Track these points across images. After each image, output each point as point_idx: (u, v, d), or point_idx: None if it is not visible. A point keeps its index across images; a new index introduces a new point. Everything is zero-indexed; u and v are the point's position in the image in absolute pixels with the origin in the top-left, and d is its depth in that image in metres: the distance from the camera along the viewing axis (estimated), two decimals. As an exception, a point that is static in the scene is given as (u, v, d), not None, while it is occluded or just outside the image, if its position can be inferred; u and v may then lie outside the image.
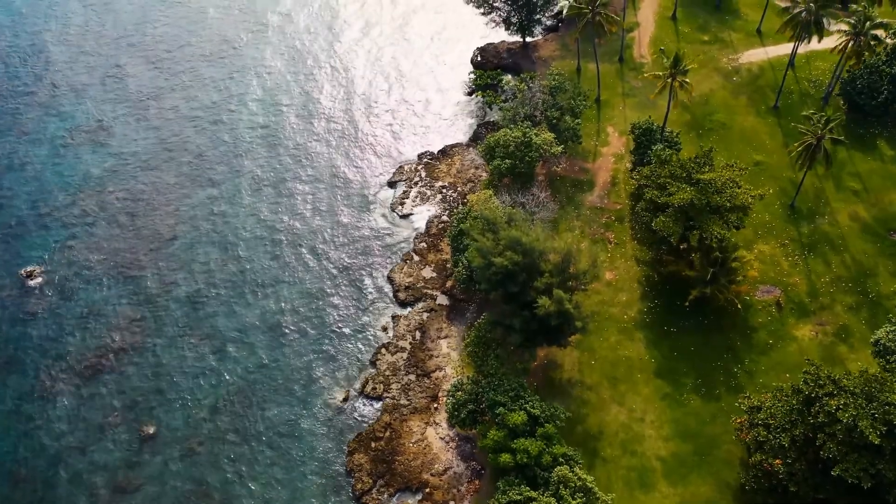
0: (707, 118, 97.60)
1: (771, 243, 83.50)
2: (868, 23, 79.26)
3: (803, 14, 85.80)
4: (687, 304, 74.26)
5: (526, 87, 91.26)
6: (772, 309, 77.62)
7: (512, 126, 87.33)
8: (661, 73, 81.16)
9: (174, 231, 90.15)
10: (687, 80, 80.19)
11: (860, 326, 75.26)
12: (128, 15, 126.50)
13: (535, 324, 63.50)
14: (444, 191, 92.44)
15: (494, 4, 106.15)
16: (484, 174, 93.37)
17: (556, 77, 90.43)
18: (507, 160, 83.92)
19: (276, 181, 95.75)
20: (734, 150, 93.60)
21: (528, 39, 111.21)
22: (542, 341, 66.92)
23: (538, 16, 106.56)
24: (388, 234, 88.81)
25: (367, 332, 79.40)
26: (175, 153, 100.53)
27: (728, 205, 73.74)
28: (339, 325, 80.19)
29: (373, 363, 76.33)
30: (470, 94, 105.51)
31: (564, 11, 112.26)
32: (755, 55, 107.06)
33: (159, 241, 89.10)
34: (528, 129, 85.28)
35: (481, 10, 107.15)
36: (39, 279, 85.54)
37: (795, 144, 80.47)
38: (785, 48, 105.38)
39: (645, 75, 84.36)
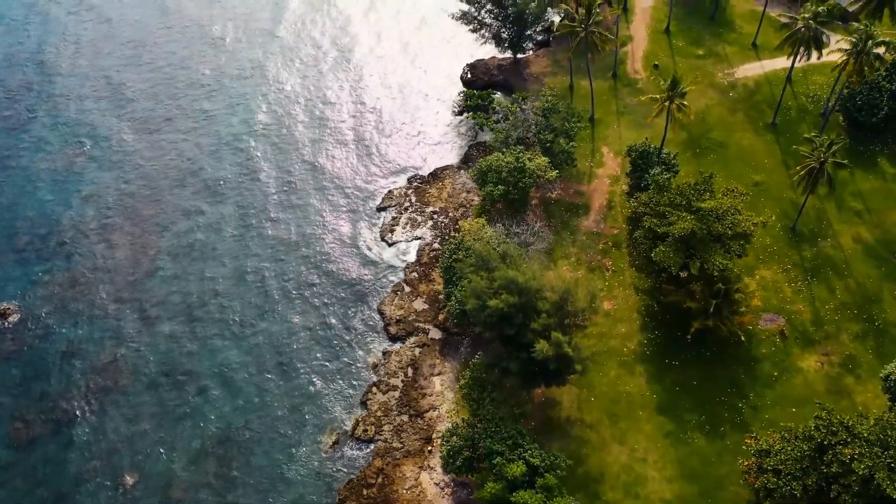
0: (704, 136, 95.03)
1: (773, 268, 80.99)
2: (870, 41, 76.78)
3: (802, 31, 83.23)
4: (689, 336, 71.59)
5: (518, 109, 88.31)
6: (776, 338, 75.08)
7: (504, 150, 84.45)
8: (657, 96, 78.42)
9: (155, 263, 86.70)
10: (685, 102, 77.48)
11: (867, 356, 72.84)
12: (115, 38, 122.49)
13: (532, 366, 60.59)
14: (435, 216, 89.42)
15: (484, 21, 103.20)
16: (476, 198, 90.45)
17: (549, 98, 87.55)
18: (499, 186, 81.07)
19: (261, 210, 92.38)
20: (733, 169, 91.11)
21: (519, 55, 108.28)
22: (539, 382, 64.04)
23: (529, 31, 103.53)
24: (378, 264, 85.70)
25: (357, 370, 76.27)
26: (156, 181, 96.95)
27: (730, 233, 71.22)
28: (328, 362, 77.02)
29: (363, 403, 73.25)
30: (460, 113, 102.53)
31: (555, 28, 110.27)
32: (751, 69, 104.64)
33: (140, 274, 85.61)
34: (520, 154, 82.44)
35: (470, 27, 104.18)
36: (14, 317, 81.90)
37: (797, 168, 78.01)
38: (781, 62, 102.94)
39: (642, 99, 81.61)
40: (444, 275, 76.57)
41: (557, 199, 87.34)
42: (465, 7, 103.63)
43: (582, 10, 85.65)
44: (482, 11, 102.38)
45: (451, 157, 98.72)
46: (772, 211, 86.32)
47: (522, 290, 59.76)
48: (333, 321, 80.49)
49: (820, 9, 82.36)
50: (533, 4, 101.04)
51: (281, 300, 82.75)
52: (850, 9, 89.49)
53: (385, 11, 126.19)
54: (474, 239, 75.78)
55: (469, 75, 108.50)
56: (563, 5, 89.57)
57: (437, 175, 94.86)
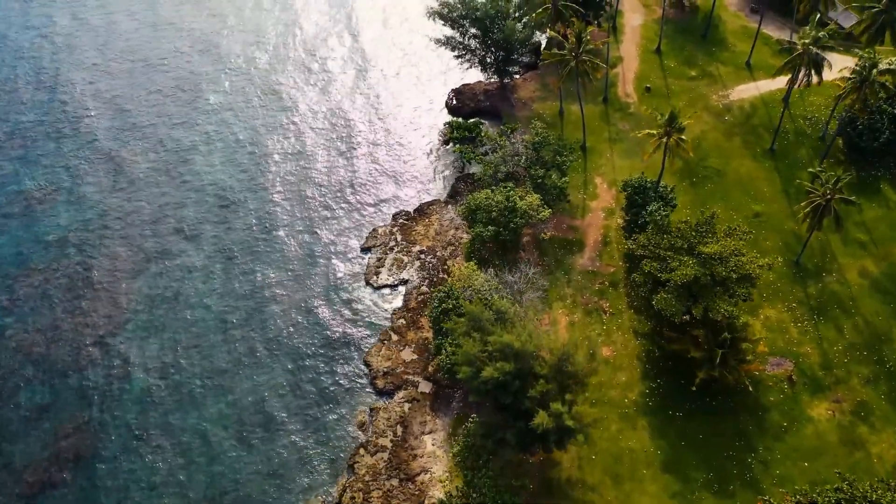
0: (700, 164, 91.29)
1: (778, 307, 77.32)
2: (874, 70, 73.25)
3: (802, 56, 79.60)
4: (693, 386, 67.68)
5: (507, 143, 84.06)
6: (784, 385, 71.38)
7: (494, 188, 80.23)
8: (654, 132, 74.47)
9: (124, 316, 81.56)
10: (683, 136, 73.58)
11: (880, 403, 69.33)
12: (90, 64, 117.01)
13: (531, 435, 56.36)
14: (423, 256, 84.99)
15: (469, 46, 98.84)
16: (465, 235, 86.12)
17: (540, 131, 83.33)
18: (489, 227, 76.90)
19: (239, 253, 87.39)
20: (731, 199, 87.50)
21: (506, 80, 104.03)
22: (538, 449, 59.82)
23: (516, 56, 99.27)
24: (363, 310, 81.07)
25: (343, 429, 71.67)
26: (127, 222, 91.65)
27: (734, 276, 67.44)
28: (313, 421, 72.38)
29: (350, 467, 68.66)
30: (446, 142, 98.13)
31: (543, 49, 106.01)
32: (746, 91, 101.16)
33: (108, 327, 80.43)
34: (511, 192, 78.24)
35: (455, 53, 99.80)
36: (-27, 378, 76.59)
37: (802, 205, 74.36)
38: (776, 82, 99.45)
39: (639, 135, 77.66)
40: (433, 325, 72.22)
41: (550, 236, 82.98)
42: (449, 32, 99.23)
43: (572, 38, 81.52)
44: (466, 36, 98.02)
45: (437, 190, 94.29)
46: (773, 244, 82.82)
47: (519, 354, 55.57)
48: (318, 374, 75.82)
49: (821, 34, 78.76)
50: (519, 28, 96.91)
51: (261, 351, 77.98)
52: (851, 30, 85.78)
53: (367, 35, 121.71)
54: (464, 287, 71.60)
55: (454, 101, 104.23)
56: (552, 32, 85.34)
57: (423, 211, 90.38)
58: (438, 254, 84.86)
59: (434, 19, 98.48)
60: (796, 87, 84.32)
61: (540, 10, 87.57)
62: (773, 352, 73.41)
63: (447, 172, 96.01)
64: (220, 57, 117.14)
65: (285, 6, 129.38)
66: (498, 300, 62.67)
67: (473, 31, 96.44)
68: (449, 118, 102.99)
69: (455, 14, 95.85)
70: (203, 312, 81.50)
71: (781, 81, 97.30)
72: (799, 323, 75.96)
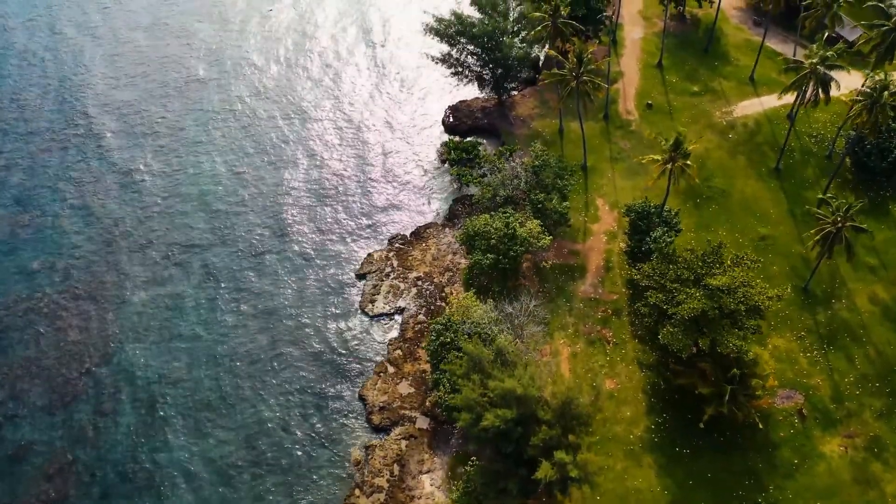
0: (704, 184, 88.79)
1: (786, 336, 74.92)
2: (885, 92, 70.85)
3: (810, 76, 77.16)
4: (701, 424, 65.17)
5: (506, 166, 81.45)
6: (794, 419, 68.99)
7: (493, 213, 77.66)
8: (658, 158, 71.95)
9: (111, 347, 78.76)
10: (689, 162, 71.09)
11: (894, 438, 66.96)
12: (68, 85, 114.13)
13: (533, 484, 53.81)
14: (420, 283, 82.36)
15: (466, 62, 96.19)
16: (463, 261, 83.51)
17: (540, 154, 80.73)
18: (489, 255, 74.29)
19: (226, 281, 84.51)
20: (736, 222, 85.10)
21: (504, 96, 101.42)
22: (542, 494, 57.27)
23: (514, 73, 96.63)
24: (358, 341, 78.42)
25: (338, 468, 69.02)
26: (114, 248, 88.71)
27: (742, 308, 64.96)
28: (304, 459, 69.70)
29: (346, 509, 66.05)
30: (443, 161, 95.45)
31: (541, 62, 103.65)
32: (750, 107, 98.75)
33: (94, 360, 77.65)
34: (510, 218, 75.68)
35: (451, 71, 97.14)
36: (-49, 416, 73.77)
37: (812, 232, 71.95)
38: (781, 97, 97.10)
39: (643, 161, 75.20)
40: (430, 359, 69.60)
41: (551, 261, 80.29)
42: (446, 49, 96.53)
43: (572, 58, 78.97)
44: (463, 53, 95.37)
45: (434, 212, 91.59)
46: (781, 268, 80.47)
47: (521, 400, 53.01)
48: (311, 409, 73.17)
49: (829, 53, 76.35)
50: (517, 45, 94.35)
51: (251, 385, 75.27)
52: (858, 46, 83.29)
53: (360, 51, 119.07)
54: (463, 319, 69.04)
55: (451, 119, 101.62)
56: (551, 51, 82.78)
57: (419, 235, 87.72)
58: (436, 280, 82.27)
59: (430, 36, 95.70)
60: (803, 106, 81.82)
61: (539, 27, 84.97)
62: (783, 384, 71.04)
63: (444, 193, 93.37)
64: (204, 80, 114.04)
65: (275, 23, 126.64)
66: (499, 338, 60.01)
67: (470, 48, 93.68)
68: (446, 136, 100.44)
69: (451, 31, 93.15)
70: (191, 343, 78.75)
71: (786, 97, 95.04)
72: (808, 353, 73.59)
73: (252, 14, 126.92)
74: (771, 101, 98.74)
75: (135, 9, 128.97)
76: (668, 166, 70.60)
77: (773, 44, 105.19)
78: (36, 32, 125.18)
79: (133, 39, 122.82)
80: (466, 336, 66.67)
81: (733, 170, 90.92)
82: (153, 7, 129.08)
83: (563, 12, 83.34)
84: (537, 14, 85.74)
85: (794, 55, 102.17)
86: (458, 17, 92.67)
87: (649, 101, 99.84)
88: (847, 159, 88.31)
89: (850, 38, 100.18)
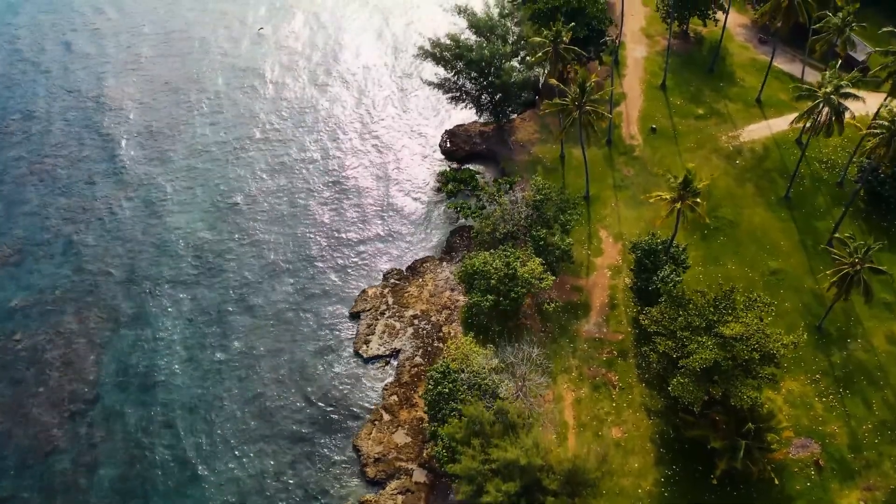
0: (712, 214, 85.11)
1: (800, 379, 71.51)
2: (904, 125, 67.52)
3: (822, 106, 73.79)
4: (713, 478, 61.82)
5: (506, 200, 77.93)
6: (810, 471, 65.57)
7: (492, 251, 74.21)
8: (666, 196, 68.50)
9: (93, 392, 75.15)
10: (699, 200, 67.66)
11: (916, 491, 63.62)
12: (41, 110, 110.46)
13: (539, 558, 50.41)
14: (416, 321, 78.84)
15: (464, 87, 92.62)
16: (461, 298, 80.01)
17: (541, 188, 77.21)
18: (488, 296, 70.82)
19: (215, 319, 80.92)
20: (745, 254, 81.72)
21: (504, 120, 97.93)
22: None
23: (513, 98, 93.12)
24: (352, 386, 74.83)
25: (331, 528, 65.52)
26: (97, 283, 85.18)
27: (756, 356, 61.55)
28: (297, 518, 66.23)
29: (339, 573, 62.58)
30: (439, 190, 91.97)
31: (540, 83, 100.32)
32: (757, 131, 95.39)
33: (75, 407, 74.01)
34: (511, 257, 72.19)
35: (448, 96, 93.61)
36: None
37: (828, 273, 68.58)
38: (789, 120, 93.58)
39: (651, 200, 71.75)
40: (428, 410, 66.04)
41: (553, 298, 76.52)
42: (443, 72, 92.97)
43: (575, 87, 75.52)
44: (460, 77, 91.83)
45: (430, 245, 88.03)
46: (793, 305, 77.10)
47: (524, 470, 49.52)
48: (302, 461, 69.57)
49: (843, 81, 72.98)
50: (517, 68, 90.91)
51: (239, 434, 71.65)
52: (874, 73, 79.87)
53: (355, 73, 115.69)
54: (462, 368, 65.57)
55: (449, 144, 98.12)
56: (553, 81, 79.30)
57: (416, 269, 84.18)
58: (433, 319, 78.75)
59: (426, 60, 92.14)
60: (815, 135, 78.47)
61: (540, 53, 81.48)
62: (798, 431, 67.61)
63: (441, 224, 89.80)
64: (190, 103, 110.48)
65: (263, 44, 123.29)
66: (499, 401, 56.51)
67: (468, 72, 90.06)
68: (442, 161, 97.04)
69: (448, 54, 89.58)
70: (176, 388, 75.14)
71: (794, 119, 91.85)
72: (824, 397, 70.21)
73: (243, 34, 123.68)
74: (779, 125, 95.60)
75: (109, 30, 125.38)
76: (677, 205, 67.06)
77: (781, 63, 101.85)
78: (18, 59, 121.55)
79: (119, 60, 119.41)
80: (466, 387, 63.20)
81: (741, 198, 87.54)
82: (133, 32, 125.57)
83: (564, 38, 79.83)
84: (538, 39, 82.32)
85: (803, 75, 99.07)
86: (455, 40, 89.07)
87: (653, 125, 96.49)
88: (859, 186, 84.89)
89: (860, 58, 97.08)
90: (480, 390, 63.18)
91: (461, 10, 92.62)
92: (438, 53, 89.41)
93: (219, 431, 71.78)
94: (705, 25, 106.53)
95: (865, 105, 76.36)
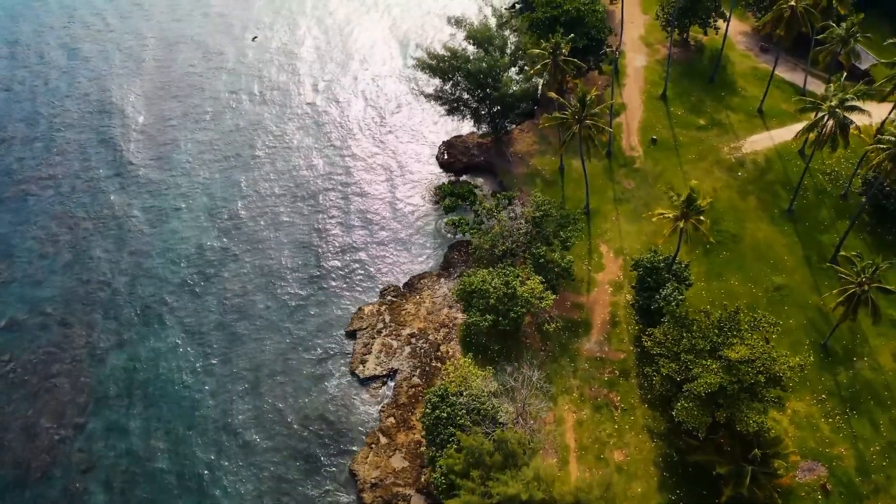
0: (714, 228, 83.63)
1: (806, 399, 70.04)
2: (911, 141, 66.08)
3: (827, 120, 72.31)
4: (719, 505, 60.43)
5: (505, 217, 76.34)
6: (817, 495, 64.13)
7: (491, 269, 72.66)
8: (669, 214, 66.97)
9: (84, 414, 73.41)
10: (702, 217, 66.17)
11: (925, 516, 62.22)
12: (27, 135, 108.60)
13: None
14: (414, 340, 77.24)
15: (461, 98, 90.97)
16: (459, 315, 78.41)
17: (541, 205, 75.62)
18: (487, 316, 69.26)
19: (207, 339, 79.13)
20: (749, 270, 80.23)
21: (502, 132, 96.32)
22: None
23: (511, 109, 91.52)
24: (348, 408, 73.19)
25: (327, 555, 63.93)
26: (89, 301, 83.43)
27: (762, 379, 60.12)
28: (292, 546, 64.60)
29: None
30: (436, 203, 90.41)
31: (538, 92, 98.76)
32: (760, 141, 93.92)
33: (66, 429, 72.29)
34: (511, 276, 70.62)
35: (446, 108, 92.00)
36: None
37: (835, 292, 67.09)
38: (791, 131, 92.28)
39: (653, 220, 70.18)
40: (426, 434, 64.44)
41: (554, 325, 74.55)
42: (439, 83, 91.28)
43: (575, 101, 73.98)
44: (457, 88, 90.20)
45: (428, 260, 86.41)
46: (797, 322, 75.62)
47: (526, 504, 48.05)
48: (298, 487, 67.90)
49: (848, 94, 71.51)
50: (516, 80, 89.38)
51: (231, 458, 69.96)
52: (879, 85, 78.30)
53: (350, 82, 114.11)
54: (460, 390, 63.98)
55: (446, 156, 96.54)
56: (552, 94, 77.76)
57: (413, 286, 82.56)
58: (431, 337, 77.14)
59: (423, 72, 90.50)
60: (819, 149, 76.99)
61: (539, 66, 79.92)
62: (804, 454, 66.11)
63: (438, 239, 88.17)
64: (182, 119, 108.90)
65: (257, 53, 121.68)
66: (498, 430, 54.94)
67: (465, 83, 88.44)
68: (440, 173, 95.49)
69: (444, 65, 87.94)
70: (168, 411, 73.42)
71: (796, 130, 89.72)
72: (830, 418, 68.75)
73: (233, 43, 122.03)
74: (781, 135, 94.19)
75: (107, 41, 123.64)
76: (680, 223, 65.53)
77: (782, 72, 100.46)
78: (16, 67, 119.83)
79: (113, 75, 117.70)
80: (464, 411, 61.64)
81: (744, 212, 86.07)
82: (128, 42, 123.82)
83: (563, 50, 78.29)
84: (537, 51, 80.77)
85: (805, 85, 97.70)
86: (453, 52, 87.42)
87: (654, 137, 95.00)
88: (862, 199, 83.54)
89: (863, 67, 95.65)
90: (479, 415, 61.62)
91: (459, 22, 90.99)
92: (436, 65, 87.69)
93: (209, 457, 70.09)
94: (706, 34, 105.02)
95: (871, 118, 74.76)
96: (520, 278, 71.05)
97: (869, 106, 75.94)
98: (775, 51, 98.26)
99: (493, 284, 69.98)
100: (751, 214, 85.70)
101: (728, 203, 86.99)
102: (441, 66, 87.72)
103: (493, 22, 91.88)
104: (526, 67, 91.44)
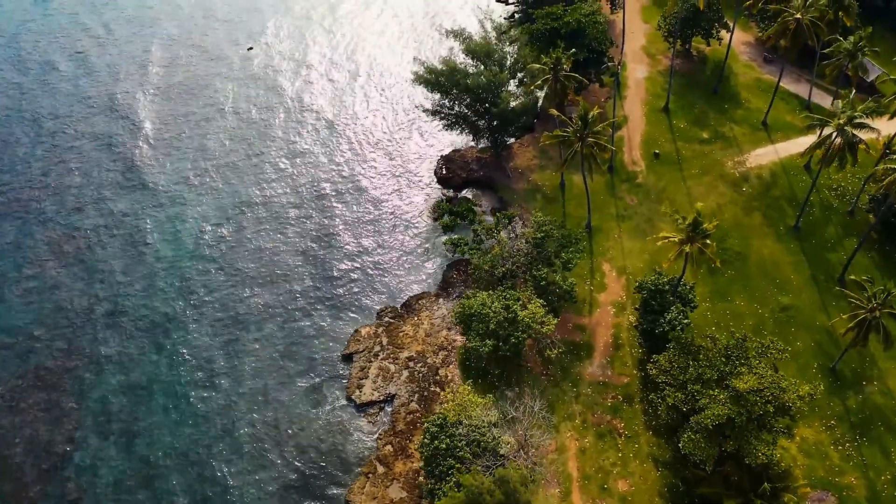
0: (719, 246, 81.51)
1: (815, 425, 68.18)
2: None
3: (835, 138, 70.49)
4: (727, 539, 58.45)
5: (505, 238, 74.41)
6: (828, 527, 62.33)
7: (491, 292, 70.75)
8: (673, 238, 65.09)
9: (73, 442, 71.39)
10: (709, 241, 64.30)
11: (939, 550, 60.40)
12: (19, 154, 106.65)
13: None
14: (412, 363, 75.30)
15: (459, 113, 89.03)
16: (458, 338, 76.49)
17: (542, 225, 73.70)
18: (487, 342, 67.33)
19: (200, 363, 77.09)
20: (755, 289, 78.40)
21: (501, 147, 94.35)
22: None
23: (511, 124, 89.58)
24: (344, 435, 71.18)
25: (323, 591, 61.99)
26: (80, 322, 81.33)
27: (771, 408, 58.25)
28: (286, 582, 62.65)
29: None
30: (435, 219, 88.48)
31: (538, 104, 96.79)
32: (764, 155, 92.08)
33: (54, 457, 70.26)
34: (510, 300, 68.71)
35: (444, 123, 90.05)
36: None
37: (845, 317, 65.26)
38: (796, 144, 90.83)
39: (658, 244, 68.21)
40: (424, 466, 62.53)
41: (557, 351, 72.50)
42: (437, 97, 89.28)
43: (577, 119, 72.10)
44: (455, 103, 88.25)
45: (426, 279, 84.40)
46: (805, 344, 73.80)
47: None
48: (292, 521, 66.01)
49: (857, 111, 69.67)
50: (515, 93, 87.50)
51: (225, 488, 67.94)
52: (888, 100, 76.48)
53: (347, 94, 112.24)
54: (459, 421, 62.07)
55: (444, 171, 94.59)
56: (553, 112, 75.85)
57: (411, 307, 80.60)
58: (429, 361, 75.20)
59: (421, 87, 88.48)
60: (827, 167, 75.24)
61: (539, 81, 78.03)
62: (813, 483, 64.20)
63: (437, 258, 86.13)
64: (176, 132, 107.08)
65: (253, 65, 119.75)
66: (501, 470, 53.04)
67: (464, 98, 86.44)
68: (438, 188, 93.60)
69: (442, 79, 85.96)
70: (161, 439, 71.35)
71: (801, 144, 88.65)
72: (840, 445, 66.91)
73: (230, 54, 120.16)
74: (786, 148, 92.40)
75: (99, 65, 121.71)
76: (686, 247, 63.65)
77: (787, 83, 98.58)
78: (19, 72, 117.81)
79: (106, 83, 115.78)
80: (464, 443, 59.75)
81: (749, 228, 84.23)
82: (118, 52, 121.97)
83: (565, 66, 76.39)
84: (537, 66, 78.89)
85: (810, 97, 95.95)
86: (451, 66, 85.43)
87: (656, 150, 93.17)
88: (871, 217, 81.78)
89: (868, 79, 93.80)
90: (480, 447, 59.72)
91: (457, 35, 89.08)
92: (434, 79, 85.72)
93: (201, 487, 68.07)
94: (708, 44, 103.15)
95: (880, 135, 72.90)
96: (520, 302, 69.13)
97: (876, 121, 74.27)
98: (779, 62, 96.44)
99: (493, 308, 68.08)
100: (756, 231, 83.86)
101: (733, 220, 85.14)
102: (440, 80, 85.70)
103: (492, 35, 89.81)
104: (526, 80, 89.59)
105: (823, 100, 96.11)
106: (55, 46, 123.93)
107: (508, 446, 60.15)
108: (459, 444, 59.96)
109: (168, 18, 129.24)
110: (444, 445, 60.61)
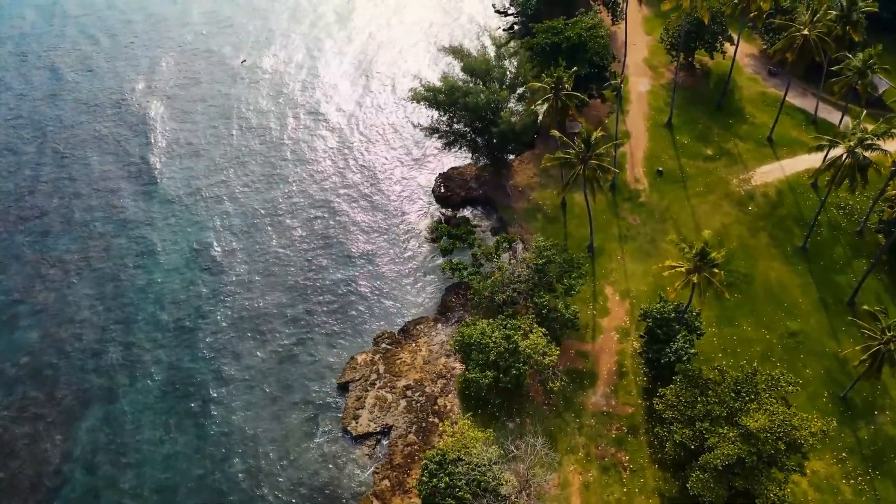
0: (724, 268, 79.33)
1: (826, 458, 66.00)
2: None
3: (845, 159, 68.40)
4: (738, 582, 56.45)
5: (505, 264, 72.18)
6: (840, 566, 60.23)
7: (491, 321, 68.53)
8: (682, 267, 62.91)
9: (59, 476, 68.99)
10: (717, 269, 62.15)
11: (956, 590, 58.29)
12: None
13: None
14: (409, 392, 73.04)
15: (458, 131, 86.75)
16: (457, 365, 74.23)
17: (544, 251, 71.47)
18: (487, 373, 65.14)
19: (189, 392, 74.61)
20: (762, 314, 76.26)
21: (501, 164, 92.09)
22: None
23: (511, 143, 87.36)
24: (340, 468, 68.87)
25: None
26: (68, 350, 78.93)
27: (782, 446, 56.16)
28: None
29: None
30: (433, 241, 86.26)
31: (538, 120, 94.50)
32: (770, 172, 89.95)
33: (39, 493, 67.90)
34: (511, 330, 66.50)
35: (442, 141, 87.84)
36: None
37: (858, 349, 63.15)
38: (803, 161, 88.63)
39: (664, 273, 66.03)
40: (422, 502, 60.28)
41: (559, 383, 70.11)
42: (435, 114, 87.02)
43: (579, 141, 69.92)
44: (454, 120, 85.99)
45: (425, 302, 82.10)
46: (814, 371, 71.67)
47: None
48: (285, 559, 63.75)
49: (868, 133, 67.56)
50: (516, 110, 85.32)
51: (219, 525, 65.78)
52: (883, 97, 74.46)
53: (344, 107, 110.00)
54: (459, 457, 59.81)
55: (443, 189, 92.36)
56: (555, 133, 73.62)
57: (408, 332, 78.32)
58: (427, 390, 72.94)
59: (420, 104, 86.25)
60: (836, 188, 73.15)
61: (539, 101, 75.83)
62: (825, 519, 62.26)
63: (435, 280, 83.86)
64: (170, 144, 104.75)
65: (247, 78, 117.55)
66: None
67: (463, 116, 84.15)
68: (436, 206, 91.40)
69: (441, 97, 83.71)
70: (149, 475, 68.84)
71: (807, 161, 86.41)
72: (852, 479, 64.76)
73: (221, 68, 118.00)
74: (792, 165, 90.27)
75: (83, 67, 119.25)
76: (693, 277, 61.48)
77: (793, 97, 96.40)
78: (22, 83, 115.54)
79: (102, 105, 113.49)
80: (464, 482, 57.53)
81: (755, 249, 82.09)
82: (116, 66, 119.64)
83: (567, 84, 74.18)
84: (538, 84, 76.72)
85: (816, 112, 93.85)
86: (450, 84, 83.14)
87: (660, 168, 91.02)
88: (881, 237, 79.67)
89: (877, 94, 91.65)
90: (480, 487, 57.48)
91: (456, 52, 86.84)
92: (433, 97, 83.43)
93: (194, 524, 65.87)
94: (712, 58, 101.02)
95: (889, 154, 70.78)
96: (522, 331, 66.90)
97: (887, 142, 72.19)
98: (784, 76, 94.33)
99: (493, 338, 65.88)
100: (763, 252, 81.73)
101: (739, 240, 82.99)
102: (438, 98, 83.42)
103: (491, 51, 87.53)
104: (527, 95, 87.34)
105: (830, 114, 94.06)
106: (58, 54, 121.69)
107: (509, 485, 57.90)
108: (459, 484, 57.75)
109: (178, 27, 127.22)
110: (443, 484, 58.35)
